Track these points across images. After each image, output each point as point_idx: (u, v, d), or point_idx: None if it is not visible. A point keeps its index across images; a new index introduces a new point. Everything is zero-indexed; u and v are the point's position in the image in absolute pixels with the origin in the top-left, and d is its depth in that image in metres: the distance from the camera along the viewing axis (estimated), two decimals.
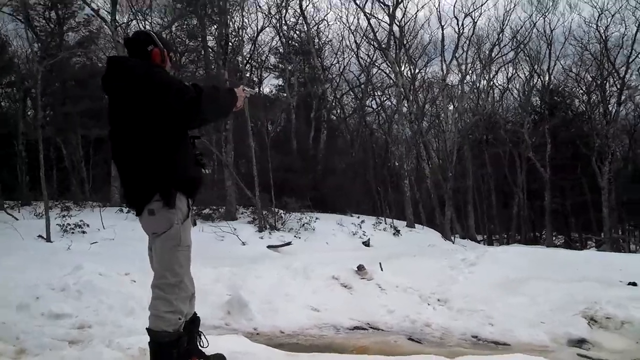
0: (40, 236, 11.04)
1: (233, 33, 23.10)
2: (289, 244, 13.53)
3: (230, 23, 22.38)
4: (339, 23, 47.01)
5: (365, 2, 24.94)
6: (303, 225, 15.38)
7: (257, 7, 27.80)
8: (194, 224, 3.12)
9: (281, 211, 16.32)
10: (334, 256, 11.99)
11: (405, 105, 24.77)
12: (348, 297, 8.81)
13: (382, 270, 10.26)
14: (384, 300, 8.17)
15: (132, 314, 6.57)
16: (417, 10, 27.61)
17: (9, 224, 11.40)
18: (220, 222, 14.66)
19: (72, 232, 11.94)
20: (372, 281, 9.51)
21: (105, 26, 20.82)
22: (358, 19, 27.84)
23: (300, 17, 27.00)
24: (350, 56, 31.12)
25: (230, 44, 22.63)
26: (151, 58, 2.78)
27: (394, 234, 17.48)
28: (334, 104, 31.25)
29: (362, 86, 30.72)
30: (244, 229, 14.25)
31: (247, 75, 28.80)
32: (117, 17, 21.70)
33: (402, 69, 26.60)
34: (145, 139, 2.67)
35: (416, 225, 20.40)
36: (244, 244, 13.08)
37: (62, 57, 16.72)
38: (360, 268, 9.82)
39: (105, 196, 18.27)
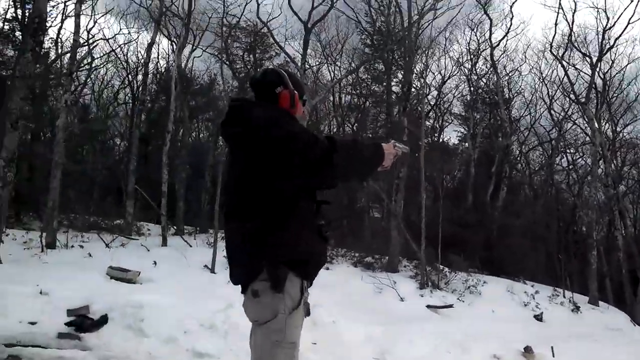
0: (206, 266, 11.51)
1: (419, 81, 22.95)
2: (450, 306, 12.59)
3: (416, 69, 22.27)
4: (532, 74, 44.71)
5: (565, 52, 23.13)
6: (469, 287, 14.26)
7: (446, 53, 27.54)
8: (308, 314, 2.61)
9: (446, 269, 15.39)
10: (499, 328, 10.85)
11: (601, 166, 22.34)
12: None
13: (553, 356, 9.01)
14: None
15: None
16: (628, 63, 24.50)
17: (180, 252, 12.08)
18: (381, 273, 14.17)
19: None
20: None
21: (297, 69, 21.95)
22: (556, 70, 25.80)
23: (491, 67, 26.08)
24: (542, 109, 29.16)
25: (413, 89, 22.52)
26: (278, 102, 2.38)
27: (572, 310, 15.47)
28: (518, 158, 29.48)
29: (553, 142, 28.53)
30: (404, 283, 13.59)
31: (430, 122, 28.52)
32: (307, 61, 22.88)
33: (602, 126, 24.20)
34: (259, 199, 2.21)
35: (600, 302, 17.97)
36: (402, 299, 12.45)
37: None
38: (528, 350, 8.73)
39: None
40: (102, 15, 30.72)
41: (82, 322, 6.38)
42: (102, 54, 24.63)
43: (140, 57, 24.74)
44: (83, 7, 15.97)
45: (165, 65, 26.93)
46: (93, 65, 24.50)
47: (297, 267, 2.24)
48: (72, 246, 12.52)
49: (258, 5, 21.33)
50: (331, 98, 28.46)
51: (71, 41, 16.27)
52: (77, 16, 14.38)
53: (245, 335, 6.88)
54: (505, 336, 9.59)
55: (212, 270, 11.27)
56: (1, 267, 9.22)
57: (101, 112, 28.75)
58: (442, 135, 30.64)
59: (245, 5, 21.88)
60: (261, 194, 2.20)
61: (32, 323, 6.38)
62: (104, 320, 6.52)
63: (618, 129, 27.58)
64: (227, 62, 23.04)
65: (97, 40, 22.49)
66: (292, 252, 2.21)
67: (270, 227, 2.19)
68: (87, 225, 15.26)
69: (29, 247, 11.87)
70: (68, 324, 6.34)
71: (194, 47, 22.93)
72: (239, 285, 2.35)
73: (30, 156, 17.33)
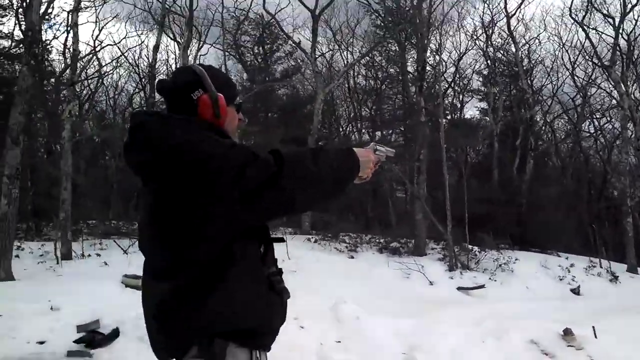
0: None
1: (434, 58, 22.33)
2: (482, 286, 12.12)
3: (430, 47, 21.61)
4: (552, 41, 43.44)
5: (585, 15, 22.19)
6: (500, 265, 13.74)
7: (461, 28, 26.79)
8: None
9: (475, 248, 14.86)
10: (534, 308, 10.34)
11: (631, 129, 21.41)
12: None
13: (595, 336, 8.47)
14: None
15: None
16: None
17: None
18: (408, 258, 13.74)
19: None
20: (582, 351, 7.80)
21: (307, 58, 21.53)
22: (577, 35, 24.93)
23: (508, 37, 25.26)
24: (564, 76, 28.21)
25: (429, 68, 21.91)
26: (198, 111, 1.70)
27: (610, 280, 14.86)
28: (543, 128, 28.59)
29: (578, 108, 27.59)
30: (432, 266, 13.14)
31: (449, 99, 27.89)
32: (318, 48, 22.45)
33: (629, 87, 23.21)
34: (178, 249, 1.59)
35: (639, 269, 17.29)
36: (431, 283, 12.02)
37: (263, 87, 17.42)
38: (567, 332, 8.18)
39: (298, 223, 18.52)
40: (107, 22, 30.71)
41: (93, 337, 6.10)
42: (111, 60, 24.57)
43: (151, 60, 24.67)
44: (88, 16, 15.81)
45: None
46: (103, 72, 24.43)
47: (242, 337, 1.61)
48: (89, 255, 12.34)
49: None
50: (346, 85, 28.06)
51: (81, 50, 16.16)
52: (75, 25, 14.20)
53: None
54: (542, 316, 9.09)
55: None
56: (14, 285, 9.03)
57: (118, 117, 28.95)
58: (462, 112, 29.97)
59: None
60: (181, 241, 1.58)
61: (41, 342, 6.12)
62: (115, 334, 6.23)
63: None
64: (237, 56, 22.71)
65: (104, 46, 22.48)
66: (230, 320, 1.59)
67: (197, 288, 1.57)
68: (105, 232, 15.00)
69: (45, 260, 11.72)
70: (77, 341, 6.06)
71: (201, 45, 22.67)
72: None
73: (47, 168, 17.30)
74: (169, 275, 1.60)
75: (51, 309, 7.04)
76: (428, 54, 21.10)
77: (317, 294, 8.92)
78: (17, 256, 10.20)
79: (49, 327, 6.45)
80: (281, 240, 1.83)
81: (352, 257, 13.83)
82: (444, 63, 24.63)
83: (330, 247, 14.91)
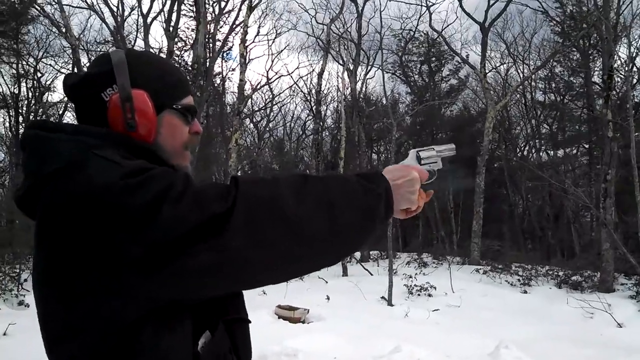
0: (382, 298, 10.74)
1: (627, 65, 19.97)
2: None
3: (620, 52, 19.36)
4: None
5: None
6: None
7: None
8: None
9: None
10: None
11: None
12: None
13: None
14: None
15: None
16: None
17: (353, 282, 11.49)
18: (591, 294, 12.06)
19: (418, 295, 11.41)
20: None
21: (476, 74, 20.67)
22: None
23: None
24: None
25: (618, 77, 19.66)
26: (107, 120, 1.05)
27: None
28: None
29: None
30: (621, 305, 11.33)
31: None
32: (489, 62, 21.46)
33: None
34: (49, 336, 0.97)
35: None
36: (619, 325, 10.36)
37: (428, 106, 16.96)
38: None
39: (466, 251, 17.48)
40: (279, 53, 32.96)
41: None
42: (285, 89, 26.12)
43: (329, 87, 25.74)
44: (264, 49, 16.97)
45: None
46: (278, 101, 25.95)
47: None
48: None
49: (430, 14, 20.77)
50: (523, 101, 26.46)
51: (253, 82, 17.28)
52: (242, 56, 15.00)
53: None
54: None
55: (389, 303, 10.48)
56: None
57: (294, 144, 30.46)
58: None
59: (419, 18, 21.55)
60: (52, 326, 0.96)
61: None
62: None
63: None
64: (402, 77, 22.62)
65: (277, 77, 23.77)
66: None
67: None
68: None
69: None
70: None
71: (369, 68, 22.90)
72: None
73: None
74: None
75: None
76: (618, 61, 18.90)
77: (479, 334, 8.17)
78: None
79: None
80: (245, 320, 1.13)
81: (525, 292, 12.60)
82: (636, 69, 21.85)
83: (501, 280, 13.81)
